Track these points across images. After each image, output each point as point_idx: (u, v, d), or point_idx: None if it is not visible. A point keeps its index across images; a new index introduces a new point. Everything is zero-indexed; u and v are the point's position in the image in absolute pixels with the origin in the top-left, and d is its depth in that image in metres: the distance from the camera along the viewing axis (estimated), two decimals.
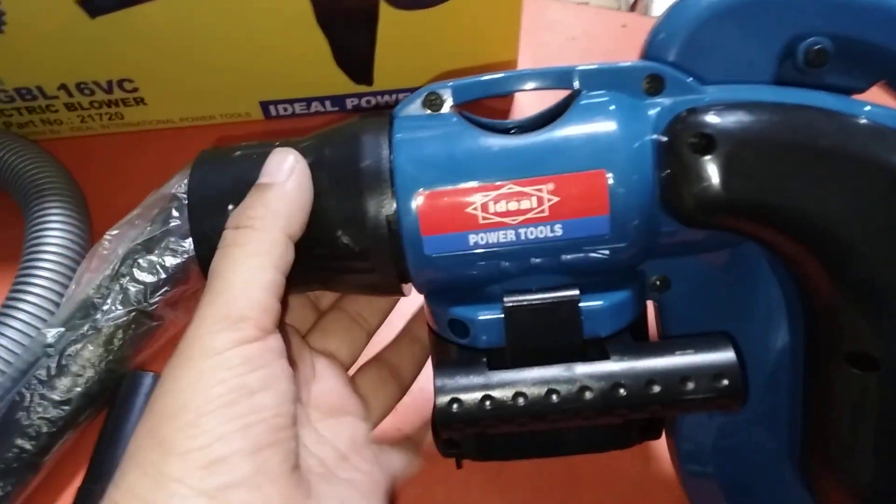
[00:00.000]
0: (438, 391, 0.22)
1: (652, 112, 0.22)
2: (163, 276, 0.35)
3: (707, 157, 0.20)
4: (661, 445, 0.28)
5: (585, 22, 0.47)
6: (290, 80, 0.43)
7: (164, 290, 0.35)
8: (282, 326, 0.23)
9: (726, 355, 0.21)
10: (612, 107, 0.22)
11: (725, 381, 0.20)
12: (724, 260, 0.24)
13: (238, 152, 0.24)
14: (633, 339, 0.23)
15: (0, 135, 0.43)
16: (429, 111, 0.24)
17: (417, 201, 0.22)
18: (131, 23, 0.38)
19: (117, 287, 0.35)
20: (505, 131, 0.24)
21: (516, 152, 0.22)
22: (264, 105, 0.45)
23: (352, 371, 0.29)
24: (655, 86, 0.23)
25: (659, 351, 0.21)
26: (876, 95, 0.26)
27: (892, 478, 0.21)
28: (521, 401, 0.21)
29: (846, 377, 0.21)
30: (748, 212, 0.20)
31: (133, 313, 0.35)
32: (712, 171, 0.20)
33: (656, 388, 0.21)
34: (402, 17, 0.40)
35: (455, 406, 0.21)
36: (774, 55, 0.24)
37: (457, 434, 0.22)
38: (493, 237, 0.22)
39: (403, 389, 0.29)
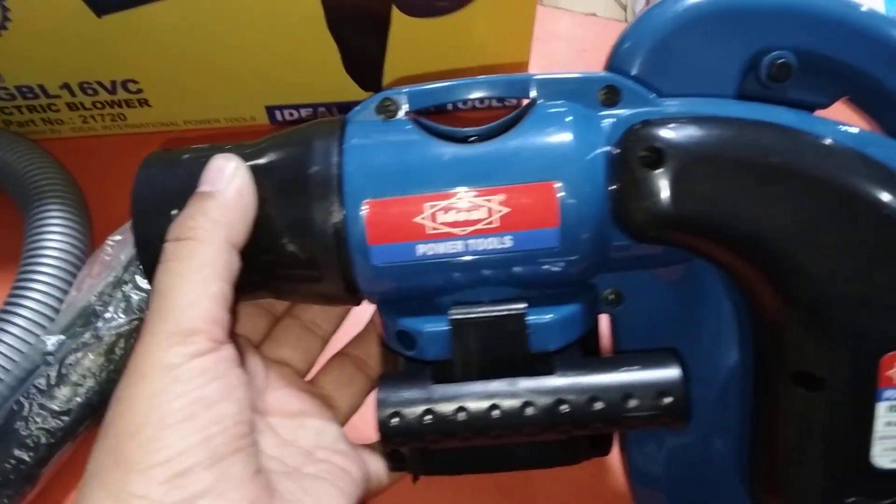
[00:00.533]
0: (380, 404, 0.21)
1: (606, 124, 0.22)
2: None
3: (656, 172, 0.20)
4: (618, 457, 0.28)
5: (594, 33, 0.47)
6: (297, 85, 0.42)
7: None
8: (234, 336, 0.22)
9: (671, 372, 0.21)
10: (567, 118, 0.22)
11: (669, 399, 0.20)
12: (678, 275, 0.24)
13: (186, 155, 0.24)
14: (583, 354, 0.23)
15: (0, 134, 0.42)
16: (382, 117, 0.23)
17: (365, 210, 0.22)
18: (138, 22, 0.37)
19: (119, 294, 0.34)
20: (463, 139, 0.23)
21: (467, 161, 0.22)
22: (270, 110, 0.44)
23: (316, 370, 0.29)
24: (612, 97, 0.22)
25: (604, 367, 0.21)
26: (840, 110, 0.25)
27: (835, 498, 0.21)
28: (462, 415, 0.21)
29: (792, 396, 0.21)
30: (696, 229, 0.20)
31: (135, 322, 0.34)
32: (661, 186, 0.19)
33: (599, 405, 0.20)
34: (413, 24, 0.39)
35: (396, 420, 0.21)
36: (738, 68, 0.24)
37: (399, 447, 0.21)
38: (441, 248, 0.22)
39: (372, 382, 0.29)
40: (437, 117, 0.27)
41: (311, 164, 0.22)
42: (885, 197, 0.19)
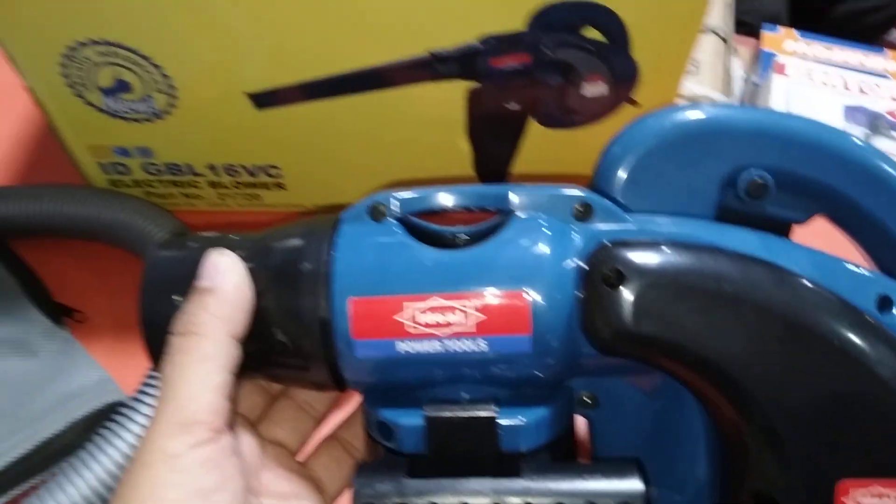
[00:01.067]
0: (356, 496, 0.22)
1: (578, 238, 0.23)
2: None
3: (617, 291, 0.21)
4: None
5: None
6: (424, 178, 0.45)
7: None
8: (232, 418, 0.24)
9: (633, 484, 0.21)
10: (542, 229, 0.23)
11: None
12: (654, 385, 0.25)
13: (192, 243, 0.26)
14: (552, 456, 0.24)
15: (141, 206, 0.44)
16: (372, 219, 0.25)
17: (351, 306, 0.23)
18: (290, 117, 0.40)
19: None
20: (450, 238, 0.25)
21: (447, 267, 0.23)
22: None
23: (308, 450, 0.30)
24: (585, 212, 0.24)
25: (570, 473, 0.22)
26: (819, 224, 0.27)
27: None
28: None
29: None
30: (654, 347, 0.21)
31: None
32: (620, 305, 0.21)
33: None
34: (545, 133, 0.42)
35: None
36: (716, 184, 0.26)
37: None
38: (420, 346, 0.23)
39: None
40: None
41: (303, 259, 0.24)
42: (838, 328, 0.20)
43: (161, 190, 0.47)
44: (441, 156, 0.45)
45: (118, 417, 0.37)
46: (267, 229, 0.26)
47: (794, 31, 0.65)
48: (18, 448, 0.37)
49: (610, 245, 0.22)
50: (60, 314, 0.44)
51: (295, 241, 0.25)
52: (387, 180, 0.46)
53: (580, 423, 0.26)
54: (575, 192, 0.24)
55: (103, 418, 0.39)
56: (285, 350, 0.24)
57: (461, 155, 0.44)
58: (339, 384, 0.25)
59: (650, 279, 0.21)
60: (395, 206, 0.25)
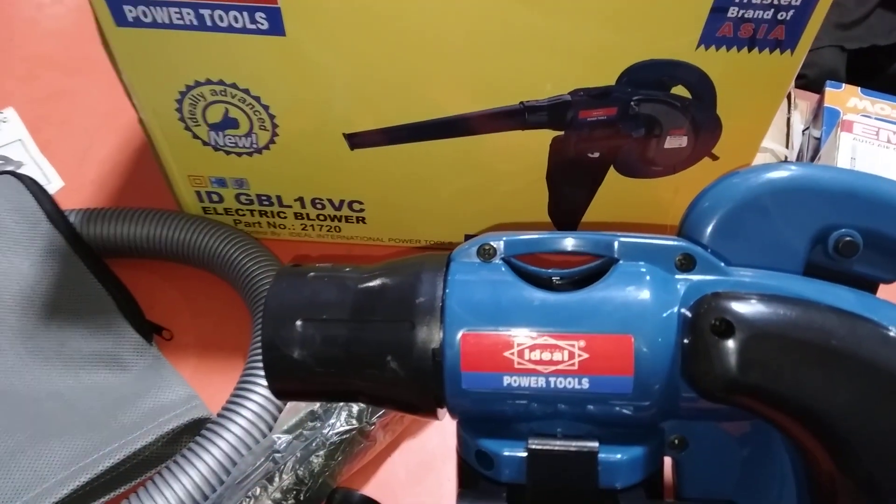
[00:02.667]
0: None
1: (681, 287, 0.25)
2: None
3: (725, 341, 0.22)
4: None
5: None
6: (497, 219, 0.47)
7: (381, 412, 0.38)
8: None
9: None
10: (646, 278, 0.25)
11: None
12: (743, 431, 0.26)
13: (312, 273, 0.28)
14: (646, 495, 0.25)
15: (233, 234, 0.47)
16: (480, 259, 0.27)
17: (461, 339, 0.25)
18: (378, 156, 0.43)
19: (343, 403, 0.37)
20: (548, 279, 0.27)
21: (555, 308, 0.25)
22: (468, 237, 0.49)
23: None
24: (687, 263, 0.25)
25: None
26: None
27: None
28: None
29: None
30: (759, 397, 0.22)
31: (354, 431, 0.37)
32: (728, 355, 0.22)
33: None
34: (623, 182, 0.44)
35: None
36: (806, 242, 0.27)
37: None
38: (525, 381, 0.24)
39: None
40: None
41: (418, 293, 0.25)
42: None
43: (249, 219, 0.50)
44: (516, 200, 0.46)
45: (207, 433, 0.39)
46: (377, 263, 0.28)
47: (857, 89, 0.66)
48: (111, 458, 0.39)
49: (716, 295, 0.23)
50: (150, 332, 0.47)
51: (409, 276, 0.26)
52: (463, 220, 0.48)
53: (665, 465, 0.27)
54: (677, 243, 0.26)
55: (189, 433, 0.41)
56: (395, 377, 0.25)
57: (536, 199, 0.46)
58: (438, 409, 0.26)
59: (758, 330, 0.22)
60: (502, 247, 0.27)
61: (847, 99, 0.66)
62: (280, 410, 0.40)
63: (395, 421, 0.41)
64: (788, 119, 0.66)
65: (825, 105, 0.65)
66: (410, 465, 0.42)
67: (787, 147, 0.62)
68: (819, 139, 0.65)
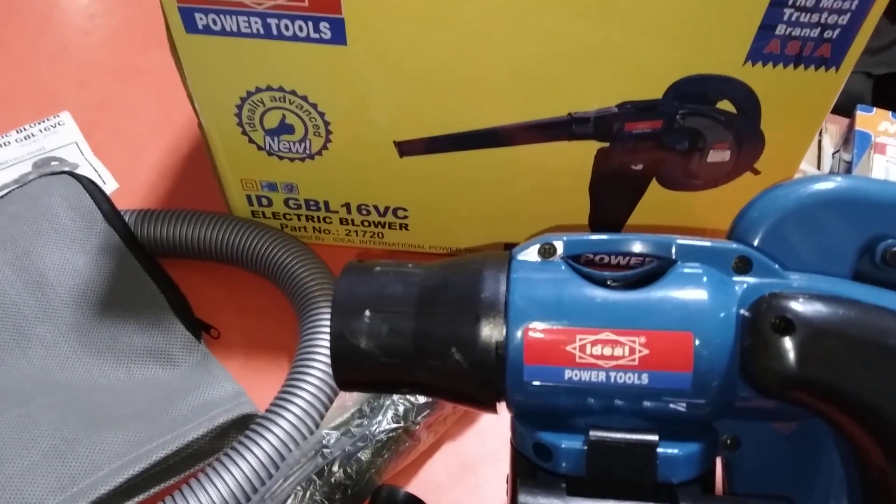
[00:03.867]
0: None
1: (738, 288, 0.25)
2: (429, 399, 0.39)
3: (786, 338, 0.23)
4: None
5: None
6: (537, 228, 0.48)
7: (426, 412, 0.39)
8: None
9: None
10: (704, 279, 0.26)
11: None
12: (793, 430, 0.26)
13: (378, 268, 0.29)
14: (702, 490, 0.25)
15: (283, 238, 0.49)
16: (541, 258, 0.28)
17: (524, 333, 0.26)
18: (426, 165, 0.45)
19: (389, 402, 0.39)
20: (603, 281, 0.28)
21: (616, 305, 0.26)
22: (507, 246, 0.50)
23: None
24: (744, 266, 0.26)
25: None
26: None
27: None
28: None
29: None
30: (818, 392, 0.23)
31: (399, 430, 0.39)
32: (788, 351, 0.23)
33: None
34: (664, 194, 0.45)
35: None
36: (854, 251, 0.27)
37: None
38: (586, 375, 0.25)
39: None
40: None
41: (483, 289, 0.27)
42: None
43: (295, 223, 0.51)
44: (558, 210, 0.47)
45: (256, 428, 0.40)
46: (439, 261, 0.29)
47: (888, 113, 0.67)
48: (162, 449, 0.40)
49: (774, 295, 0.24)
50: (199, 330, 0.48)
51: (473, 273, 0.27)
52: (502, 228, 0.49)
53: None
54: (735, 246, 0.26)
55: (236, 429, 0.42)
56: (458, 368, 0.26)
57: (577, 209, 0.47)
58: (497, 402, 0.27)
59: (817, 328, 0.23)
60: (562, 246, 0.28)
61: (878, 123, 0.67)
62: (327, 408, 0.41)
63: (438, 422, 0.41)
64: (819, 141, 0.66)
65: (856, 128, 0.66)
66: (451, 467, 0.43)
67: (818, 169, 0.63)
68: (850, 162, 0.66)
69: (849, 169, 0.65)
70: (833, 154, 0.68)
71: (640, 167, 0.44)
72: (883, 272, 0.28)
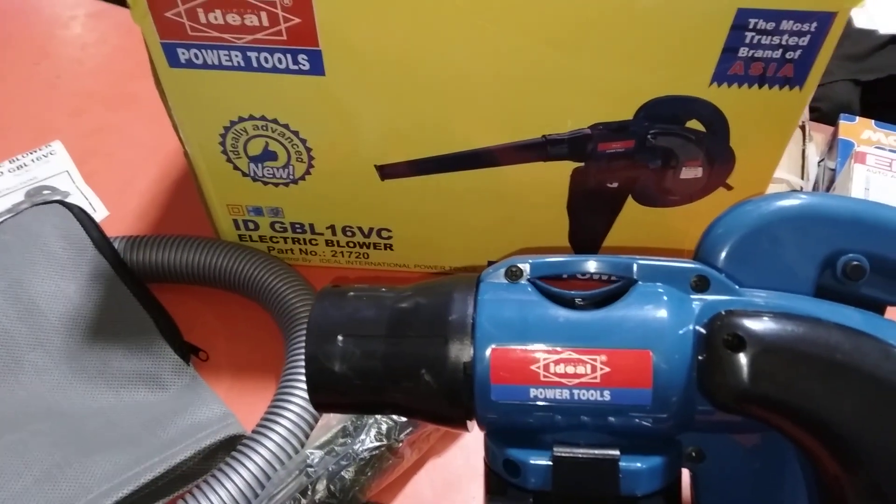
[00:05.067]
0: None
1: (696, 306, 0.26)
2: None
3: (737, 355, 0.24)
4: None
5: None
6: (519, 246, 0.49)
7: (409, 430, 0.40)
8: None
9: None
10: (663, 297, 0.27)
11: None
12: (756, 442, 0.27)
13: (352, 293, 0.30)
14: (665, 502, 0.26)
15: (269, 261, 0.50)
16: (508, 280, 0.29)
17: (491, 354, 0.27)
18: (408, 187, 0.46)
19: (372, 421, 0.40)
20: (570, 300, 0.28)
21: (578, 325, 0.27)
22: (490, 264, 0.51)
23: None
24: (702, 284, 0.27)
25: None
26: None
27: None
28: None
29: None
30: (771, 406, 0.23)
31: (383, 447, 0.39)
32: (740, 367, 0.23)
33: None
34: (640, 210, 0.46)
35: None
36: (815, 265, 0.28)
37: None
38: (550, 393, 0.26)
39: None
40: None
41: (451, 311, 0.27)
42: None
43: (282, 245, 0.52)
44: (538, 228, 0.48)
45: (242, 448, 0.41)
46: (411, 284, 0.30)
47: (871, 122, 0.68)
48: (151, 471, 0.41)
49: (729, 313, 0.25)
50: (188, 353, 0.49)
51: (442, 296, 0.28)
52: (486, 247, 0.50)
53: (685, 477, 0.29)
54: (692, 265, 0.27)
55: (224, 450, 0.43)
56: (429, 389, 0.27)
57: (557, 227, 0.48)
58: (468, 421, 0.28)
59: (768, 345, 0.23)
60: (528, 269, 0.29)
61: (861, 131, 0.68)
62: (312, 428, 0.42)
63: (422, 439, 0.42)
64: (804, 151, 0.67)
65: (839, 137, 0.67)
66: (436, 484, 0.44)
67: (802, 178, 0.64)
68: (834, 170, 0.67)
69: (833, 177, 0.66)
70: (819, 163, 0.69)
71: (615, 185, 0.45)
72: (844, 286, 0.28)
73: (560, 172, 0.45)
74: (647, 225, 0.47)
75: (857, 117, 0.69)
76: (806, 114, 0.68)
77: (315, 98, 0.41)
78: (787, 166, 0.64)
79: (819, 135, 0.71)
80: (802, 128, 0.67)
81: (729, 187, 0.44)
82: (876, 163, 0.64)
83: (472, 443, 0.45)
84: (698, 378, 0.25)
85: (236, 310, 0.52)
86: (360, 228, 0.50)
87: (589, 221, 0.47)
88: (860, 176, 0.63)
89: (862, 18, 0.93)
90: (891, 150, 0.65)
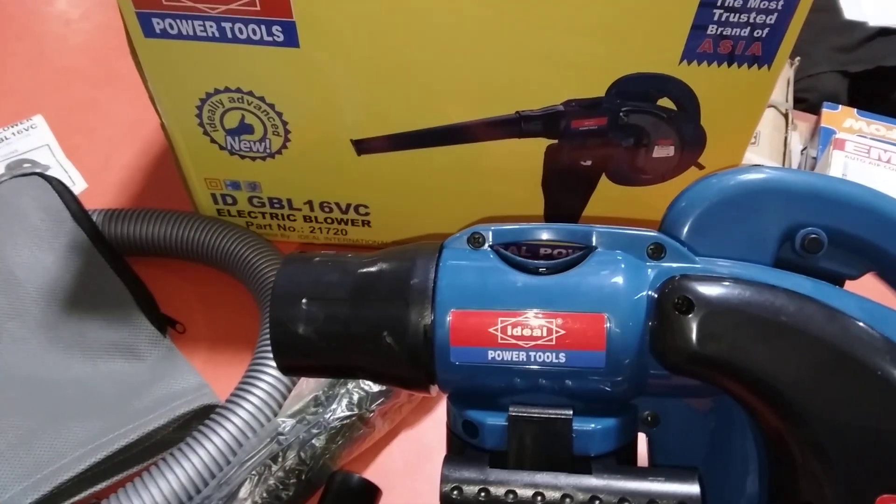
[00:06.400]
0: (444, 480, 0.26)
1: (651, 272, 0.27)
2: (384, 388, 0.41)
3: (686, 317, 0.24)
4: None
5: None
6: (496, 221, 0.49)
7: (380, 400, 0.41)
8: None
9: (691, 488, 0.24)
10: (620, 265, 0.27)
11: None
12: (708, 407, 0.28)
13: (317, 258, 0.30)
14: (618, 463, 0.27)
15: (244, 234, 0.50)
16: (471, 247, 0.29)
17: (450, 317, 0.27)
18: (383, 162, 0.46)
19: (344, 391, 0.41)
20: (534, 269, 0.29)
21: (535, 289, 0.27)
22: None
23: None
24: (658, 252, 0.27)
25: (635, 475, 0.25)
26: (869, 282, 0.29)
27: None
28: (511, 498, 0.25)
29: None
30: (716, 367, 0.24)
31: (354, 417, 0.40)
32: (688, 329, 0.24)
33: None
34: (615, 189, 0.46)
35: (455, 493, 0.25)
36: (775, 237, 0.29)
37: None
38: (507, 355, 0.27)
39: None
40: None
41: (412, 276, 0.28)
42: (881, 361, 0.23)
43: (260, 221, 0.53)
44: (515, 205, 0.49)
45: (215, 417, 0.42)
46: (377, 251, 0.31)
47: (853, 110, 0.69)
48: (125, 438, 0.41)
49: (680, 277, 0.25)
50: (164, 325, 0.50)
51: (405, 261, 0.29)
52: (461, 224, 0.51)
53: (641, 441, 0.29)
54: (649, 233, 0.28)
55: (199, 419, 0.44)
56: (390, 351, 0.28)
57: (534, 204, 0.48)
58: (430, 384, 0.29)
59: (715, 307, 0.24)
60: (490, 236, 0.29)
61: (843, 120, 0.69)
62: (284, 398, 0.43)
63: (394, 410, 0.43)
64: (786, 139, 0.68)
65: (822, 125, 0.68)
66: (408, 455, 0.44)
67: (784, 165, 0.64)
68: (815, 158, 0.67)
69: (814, 165, 0.66)
70: (801, 151, 0.70)
71: (588, 163, 0.45)
72: (803, 259, 0.29)
73: (535, 150, 0.45)
74: (621, 204, 0.48)
75: (841, 106, 0.70)
76: (790, 102, 0.68)
77: (290, 70, 0.41)
78: (769, 153, 0.65)
79: (804, 124, 0.71)
80: (786, 116, 0.68)
81: (701, 167, 0.45)
82: (854, 149, 0.65)
83: (444, 415, 0.46)
84: (650, 341, 0.26)
85: (213, 284, 0.52)
86: (337, 204, 0.50)
87: (564, 199, 0.48)
88: (838, 162, 0.64)
89: (851, 10, 0.93)
90: (872, 139, 0.66)
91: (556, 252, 0.51)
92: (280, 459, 0.38)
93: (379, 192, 0.49)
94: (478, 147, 0.45)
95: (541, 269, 0.29)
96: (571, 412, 0.26)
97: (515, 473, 0.25)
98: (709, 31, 0.37)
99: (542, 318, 0.26)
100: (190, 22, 0.39)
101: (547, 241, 0.29)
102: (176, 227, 0.51)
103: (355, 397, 0.40)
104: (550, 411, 0.26)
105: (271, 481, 0.37)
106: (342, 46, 0.40)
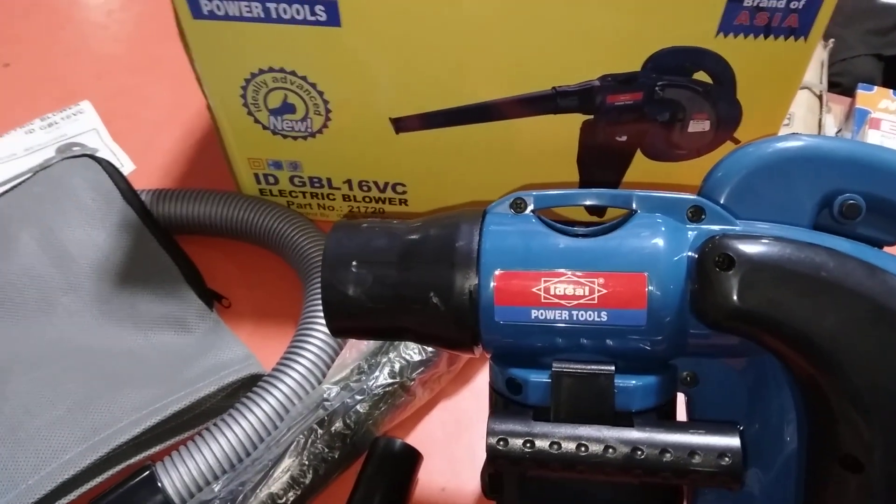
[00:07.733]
0: (490, 433, 0.27)
1: (691, 234, 0.28)
2: (424, 357, 0.42)
3: (727, 273, 0.25)
4: None
5: None
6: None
7: (420, 369, 0.42)
8: None
9: (732, 440, 0.25)
10: (661, 227, 0.28)
11: (727, 461, 0.25)
12: (745, 366, 0.29)
13: (364, 224, 0.31)
14: (658, 419, 0.28)
15: (287, 213, 0.52)
16: (513, 211, 0.30)
17: (495, 278, 0.28)
18: (420, 141, 0.47)
19: (386, 360, 0.42)
20: (574, 233, 0.30)
21: (578, 251, 0.28)
22: None
23: None
24: (697, 214, 0.28)
25: (676, 428, 0.26)
26: None
27: None
28: (555, 449, 0.26)
29: (839, 477, 0.25)
30: (757, 323, 0.25)
31: (395, 385, 0.41)
32: (729, 285, 0.25)
33: (668, 457, 0.25)
34: (650, 164, 0.47)
35: (502, 445, 0.26)
36: (813, 204, 0.29)
37: (502, 469, 0.27)
38: (550, 314, 0.28)
39: None
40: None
41: (458, 239, 0.29)
42: None
43: (301, 200, 0.54)
44: (549, 182, 0.50)
45: (263, 384, 0.43)
46: (421, 218, 0.32)
47: (889, 91, 0.68)
48: (176, 405, 0.43)
49: (721, 237, 0.26)
50: (212, 299, 0.51)
51: (450, 226, 0.30)
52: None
53: (680, 402, 0.30)
54: (689, 196, 0.29)
55: (246, 388, 0.45)
56: (437, 312, 0.29)
57: (568, 181, 0.49)
58: (474, 344, 0.30)
59: (756, 264, 0.25)
60: (532, 201, 0.30)
61: (879, 101, 0.68)
62: (328, 366, 0.44)
63: (434, 380, 0.44)
64: (820, 120, 0.68)
65: (857, 106, 0.67)
66: (447, 424, 0.46)
67: None
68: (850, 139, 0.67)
69: None
70: (836, 133, 0.70)
71: (624, 138, 0.46)
72: (841, 224, 0.30)
73: (571, 126, 0.46)
74: (656, 181, 0.48)
75: (876, 87, 0.69)
76: (824, 84, 0.68)
77: (331, 50, 0.43)
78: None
79: (838, 107, 0.71)
80: (820, 97, 0.67)
81: (736, 141, 0.45)
82: (890, 129, 0.65)
83: (482, 386, 0.47)
84: (691, 300, 0.26)
85: (257, 261, 0.54)
86: (375, 183, 0.51)
87: (599, 175, 0.48)
88: (874, 141, 0.64)
89: None
90: None
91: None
92: (326, 424, 0.40)
93: (416, 170, 0.50)
94: (513, 124, 0.46)
95: (580, 233, 0.30)
96: (614, 368, 0.27)
97: (559, 426, 0.26)
98: (745, 3, 0.38)
99: (584, 277, 0.27)
100: (236, 3, 0.40)
101: (587, 205, 0.30)
102: (221, 207, 0.53)
103: (397, 366, 0.42)
104: (593, 367, 0.27)
105: (318, 444, 0.39)
106: (380, 25, 0.41)
